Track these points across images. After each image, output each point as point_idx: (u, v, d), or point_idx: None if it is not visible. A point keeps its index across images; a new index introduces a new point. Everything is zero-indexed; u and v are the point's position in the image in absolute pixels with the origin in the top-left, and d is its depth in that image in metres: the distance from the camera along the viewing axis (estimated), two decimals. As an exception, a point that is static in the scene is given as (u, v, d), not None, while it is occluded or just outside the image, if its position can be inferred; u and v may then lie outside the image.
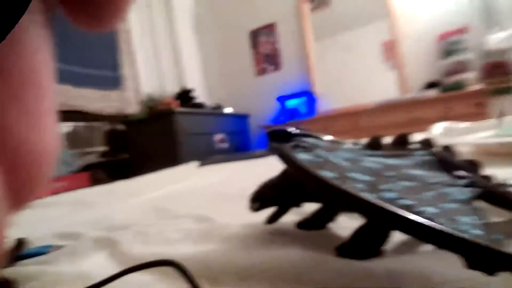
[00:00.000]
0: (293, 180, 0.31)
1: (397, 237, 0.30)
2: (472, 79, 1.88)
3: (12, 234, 0.37)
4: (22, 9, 0.08)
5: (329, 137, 0.31)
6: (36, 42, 0.12)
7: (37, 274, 0.26)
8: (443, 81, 2.06)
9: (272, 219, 0.34)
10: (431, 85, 2.09)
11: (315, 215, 0.33)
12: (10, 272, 0.27)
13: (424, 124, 1.82)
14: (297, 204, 0.33)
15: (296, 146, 0.25)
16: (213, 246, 0.34)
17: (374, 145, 0.32)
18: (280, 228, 0.35)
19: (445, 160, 0.31)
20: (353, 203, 0.17)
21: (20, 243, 0.38)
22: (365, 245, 0.26)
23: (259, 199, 0.33)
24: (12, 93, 0.11)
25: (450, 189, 0.23)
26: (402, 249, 0.27)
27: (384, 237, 0.26)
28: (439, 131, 0.66)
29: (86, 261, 0.33)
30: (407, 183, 0.22)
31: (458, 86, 1.82)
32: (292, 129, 0.27)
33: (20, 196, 0.13)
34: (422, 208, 0.17)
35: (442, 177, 0.26)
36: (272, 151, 0.25)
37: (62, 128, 1.97)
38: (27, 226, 0.55)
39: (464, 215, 0.18)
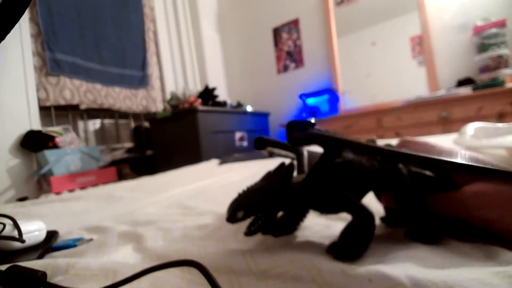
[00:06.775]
0: (282, 183, 0.29)
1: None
2: (509, 76, 1.75)
3: (44, 227, 0.39)
4: (22, 9, 0.08)
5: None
6: None
7: (65, 268, 0.27)
8: (477, 78, 1.94)
9: (256, 229, 0.30)
10: (464, 82, 1.97)
11: (284, 220, 0.33)
12: (40, 264, 0.28)
13: (455, 124, 1.74)
14: (285, 209, 0.31)
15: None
16: (234, 245, 0.34)
17: None
18: (300, 229, 0.35)
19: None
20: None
21: (51, 235, 0.41)
22: (355, 243, 0.26)
23: (244, 207, 0.29)
24: None
25: None
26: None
27: (371, 232, 0.26)
28: (471, 132, 0.62)
29: (112, 255, 0.34)
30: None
31: (494, 83, 1.71)
32: (310, 119, 0.27)
33: None
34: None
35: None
36: (310, 138, 0.25)
37: (91, 125, 2.07)
38: (56, 219, 0.58)
39: None
